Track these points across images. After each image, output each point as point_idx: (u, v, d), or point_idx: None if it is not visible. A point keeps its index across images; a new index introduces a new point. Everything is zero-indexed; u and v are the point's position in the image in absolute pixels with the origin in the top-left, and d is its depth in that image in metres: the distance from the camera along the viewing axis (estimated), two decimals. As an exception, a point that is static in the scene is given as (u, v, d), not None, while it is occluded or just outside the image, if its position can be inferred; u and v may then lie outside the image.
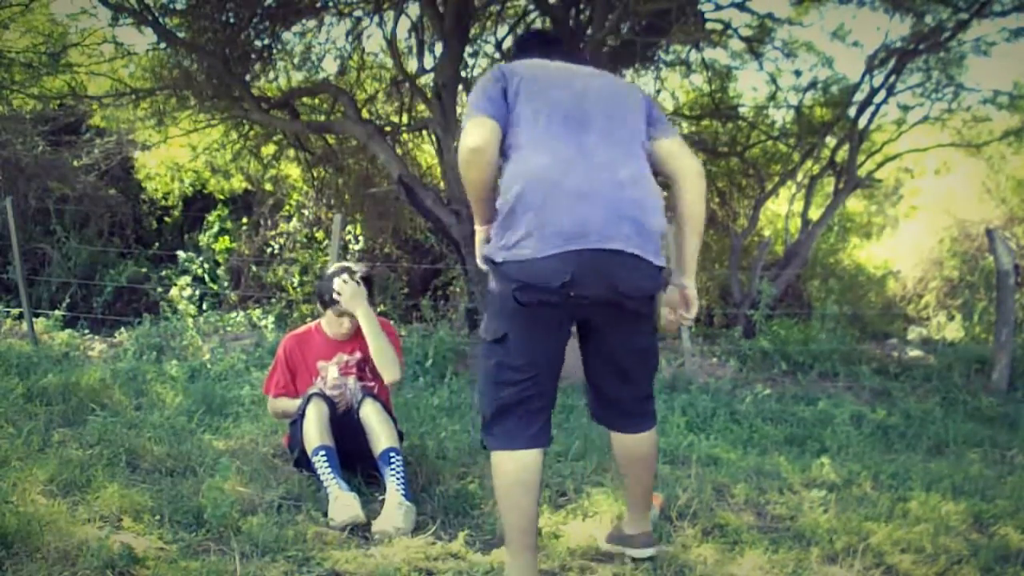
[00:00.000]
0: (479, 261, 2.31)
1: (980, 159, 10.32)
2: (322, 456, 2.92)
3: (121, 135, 9.49)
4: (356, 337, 3.34)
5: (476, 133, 2.12)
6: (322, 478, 2.89)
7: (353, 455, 3.09)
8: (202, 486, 2.90)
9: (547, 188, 2.07)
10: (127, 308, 8.48)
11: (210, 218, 8.63)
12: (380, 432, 3.01)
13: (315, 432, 2.98)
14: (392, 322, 7.26)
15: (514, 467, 2.16)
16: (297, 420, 3.11)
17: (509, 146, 2.17)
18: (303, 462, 3.14)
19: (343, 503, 2.75)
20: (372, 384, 3.30)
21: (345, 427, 3.08)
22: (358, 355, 3.32)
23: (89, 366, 5.26)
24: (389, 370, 3.20)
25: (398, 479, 2.87)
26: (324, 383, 3.24)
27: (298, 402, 3.19)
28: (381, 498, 2.92)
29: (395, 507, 2.75)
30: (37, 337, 6.56)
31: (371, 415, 3.05)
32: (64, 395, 4.19)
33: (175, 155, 9.58)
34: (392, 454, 2.94)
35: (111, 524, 2.60)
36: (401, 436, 3.26)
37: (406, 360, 5.42)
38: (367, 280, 3.32)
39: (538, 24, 8.38)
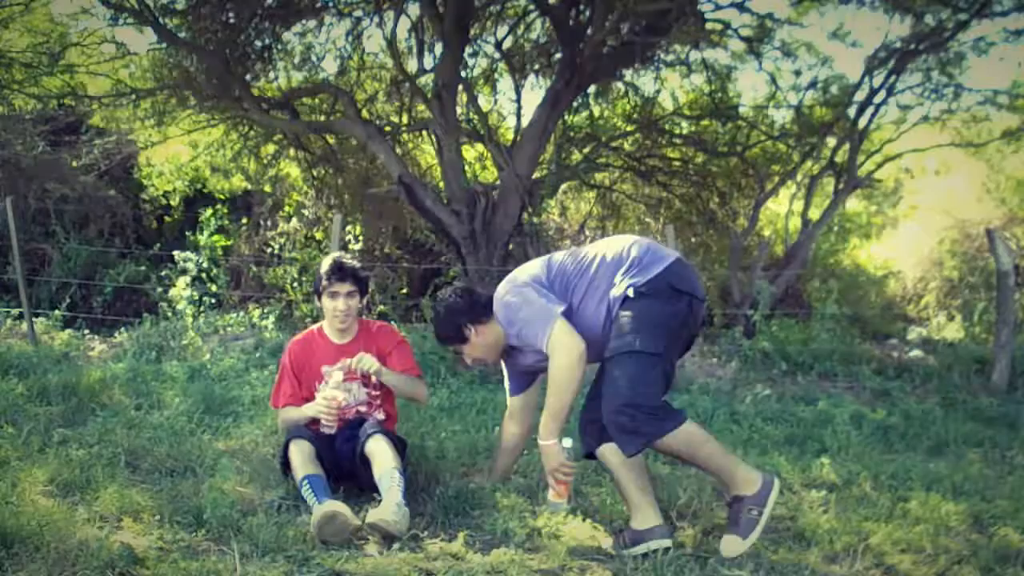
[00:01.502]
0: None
1: (980, 159, 10.31)
2: (306, 484, 2.89)
3: (121, 135, 9.48)
4: (359, 343, 3.32)
5: None
6: (306, 499, 2.87)
7: (352, 472, 3.07)
8: (202, 486, 2.90)
9: None
10: (127, 308, 8.47)
11: (206, 214, 8.62)
12: (381, 461, 2.93)
13: (300, 464, 2.96)
14: (392, 323, 7.28)
15: (695, 427, 2.65)
16: (283, 450, 3.11)
17: None
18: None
19: (321, 507, 2.68)
20: (378, 393, 3.29)
21: (344, 442, 3.08)
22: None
23: (89, 366, 5.26)
24: (419, 396, 3.36)
25: (399, 485, 2.82)
26: (327, 387, 3.20)
27: (306, 411, 3.20)
28: (378, 499, 2.92)
29: (392, 504, 2.72)
30: (37, 337, 6.55)
31: (376, 452, 2.97)
32: (64, 395, 4.20)
33: (178, 154, 9.59)
34: (393, 472, 2.88)
35: (111, 524, 2.60)
36: (405, 444, 3.24)
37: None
38: (362, 278, 3.30)
39: (537, 25, 8.39)
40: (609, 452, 2.73)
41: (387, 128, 8.19)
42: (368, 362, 3.12)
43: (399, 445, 3.11)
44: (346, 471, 3.08)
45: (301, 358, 3.34)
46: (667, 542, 2.61)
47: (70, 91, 8.31)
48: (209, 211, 8.66)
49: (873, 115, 8.17)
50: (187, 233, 9.01)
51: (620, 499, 2.94)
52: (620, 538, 2.70)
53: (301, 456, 2.99)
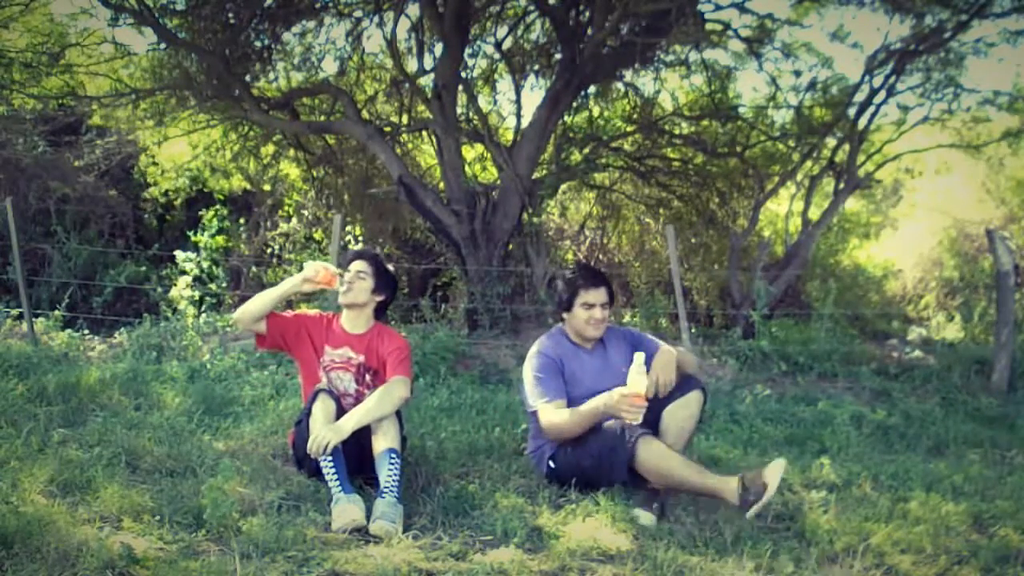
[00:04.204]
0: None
1: (980, 160, 10.31)
2: (328, 459, 2.91)
3: (121, 135, 9.49)
4: (367, 338, 3.35)
5: None
6: (328, 481, 2.89)
7: (353, 454, 3.09)
8: (202, 487, 2.89)
9: None
10: (127, 308, 8.46)
11: (207, 216, 8.62)
12: (384, 432, 3.01)
13: (322, 427, 2.97)
14: (392, 323, 7.28)
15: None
16: (303, 419, 3.11)
17: None
18: (305, 463, 3.13)
19: (343, 507, 2.75)
20: (368, 393, 3.29)
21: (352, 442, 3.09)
22: (362, 358, 3.32)
23: (89, 366, 5.25)
24: (400, 401, 3.16)
25: (393, 480, 2.87)
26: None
27: (277, 288, 3.30)
28: (372, 492, 2.94)
29: (386, 506, 2.76)
30: (37, 337, 6.55)
31: (379, 422, 3.04)
32: (64, 395, 4.19)
33: (180, 154, 9.60)
34: (392, 455, 2.94)
35: (111, 524, 2.60)
36: (404, 440, 3.26)
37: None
38: (379, 264, 3.37)
39: (537, 25, 8.39)
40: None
41: (387, 128, 8.19)
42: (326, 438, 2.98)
43: (401, 424, 3.16)
44: (352, 467, 3.11)
45: (316, 325, 3.39)
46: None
47: (70, 91, 8.31)
48: (212, 212, 8.67)
49: (873, 115, 8.17)
50: (188, 233, 9.02)
51: (618, 500, 2.98)
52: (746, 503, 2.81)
53: (325, 419, 3.01)
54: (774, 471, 2.78)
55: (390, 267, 3.47)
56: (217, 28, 7.07)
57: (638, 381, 2.89)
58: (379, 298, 3.39)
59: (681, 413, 3.14)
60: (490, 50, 8.52)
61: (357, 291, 3.33)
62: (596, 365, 3.35)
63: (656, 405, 3.12)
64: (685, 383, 3.19)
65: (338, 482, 2.85)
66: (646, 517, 2.91)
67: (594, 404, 3.05)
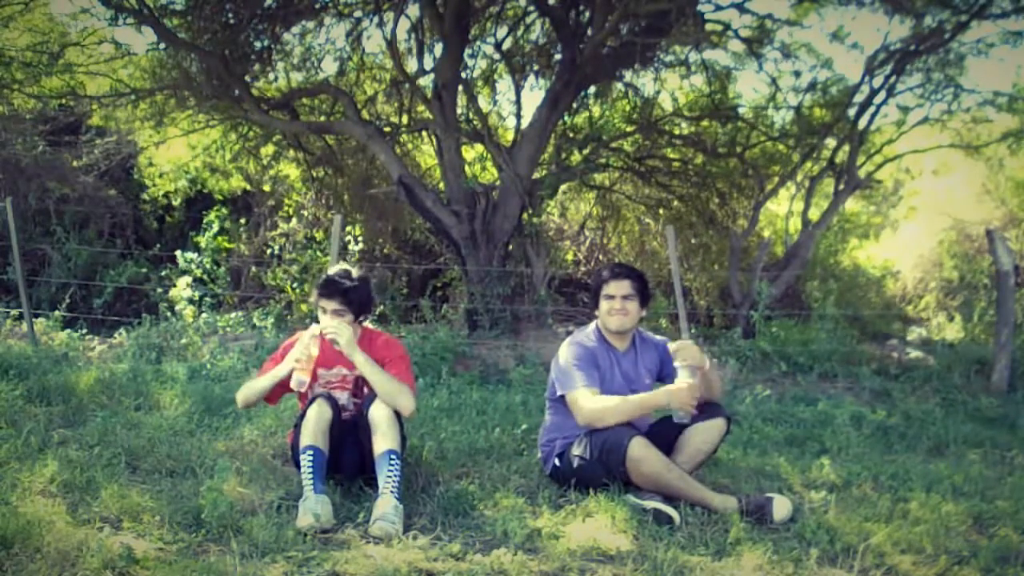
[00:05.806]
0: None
1: (979, 160, 10.31)
2: (309, 456, 2.90)
3: (121, 135, 9.49)
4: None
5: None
6: (302, 475, 2.89)
7: (353, 455, 3.09)
8: (202, 487, 2.90)
9: None
10: (127, 309, 8.47)
11: (209, 217, 8.63)
12: (384, 433, 2.99)
13: (310, 431, 2.96)
14: (391, 324, 7.29)
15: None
16: (300, 422, 3.10)
17: None
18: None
19: (308, 507, 2.73)
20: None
21: (346, 433, 3.09)
22: (357, 372, 3.29)
23: (89, 366, 5.25)
24: (401, 404, 3.10)
25: (393, 481, 2.86)
26: (303, 338, 3.21)
27: (268, 376, 3.18)
28: (372, 494, 2.93)
29: (386, 507, 2.76)
30: (37, 337, 6.55)
31: (379, 415, 3.03)
32: (64, 395, 4.20)
33: (180, 155, 9.59)
34: (392, 456, 2.93)
35: (111, 524, 2.60)
36: (404, 441, 3.25)
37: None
38: (353, 300, 3.23)
39: (537, 25, 8.39)
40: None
41: (387, 129, 8.19)
42: (342, 331, 3.08)
43: (401, 424, 3.13)
44: (353, 468, 3.12)
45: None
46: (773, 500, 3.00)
47: (70, 91, 8.31)
48: (213, 213, 8.68)
49: (873, 116, 8.17)
50: (190, 233, 9.03)
51: (619, 500, 2.98)
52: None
53: (317, 422, 2.98)
54: (780, 509, 2.95)
55: (359, 275, 3.28)
56: (217, 28, 7.07)
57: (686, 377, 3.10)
58: (362, 319, 3.30)
59: (700, 436, 3.23)
60: (490, 50, 8.52)
61: (343, 332, 3.17)
62: (623, 371, 3.39)
63: (679, 427, 3.19)
64: (712, 409, 3.25)
65: (312, 479, 2.84)
66: (673, 513, 2.90)
67: (654, 396, 3.18)
